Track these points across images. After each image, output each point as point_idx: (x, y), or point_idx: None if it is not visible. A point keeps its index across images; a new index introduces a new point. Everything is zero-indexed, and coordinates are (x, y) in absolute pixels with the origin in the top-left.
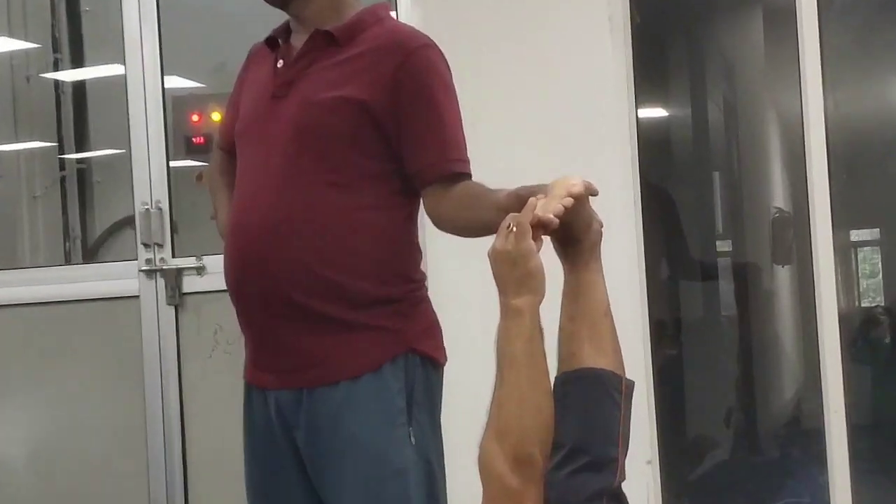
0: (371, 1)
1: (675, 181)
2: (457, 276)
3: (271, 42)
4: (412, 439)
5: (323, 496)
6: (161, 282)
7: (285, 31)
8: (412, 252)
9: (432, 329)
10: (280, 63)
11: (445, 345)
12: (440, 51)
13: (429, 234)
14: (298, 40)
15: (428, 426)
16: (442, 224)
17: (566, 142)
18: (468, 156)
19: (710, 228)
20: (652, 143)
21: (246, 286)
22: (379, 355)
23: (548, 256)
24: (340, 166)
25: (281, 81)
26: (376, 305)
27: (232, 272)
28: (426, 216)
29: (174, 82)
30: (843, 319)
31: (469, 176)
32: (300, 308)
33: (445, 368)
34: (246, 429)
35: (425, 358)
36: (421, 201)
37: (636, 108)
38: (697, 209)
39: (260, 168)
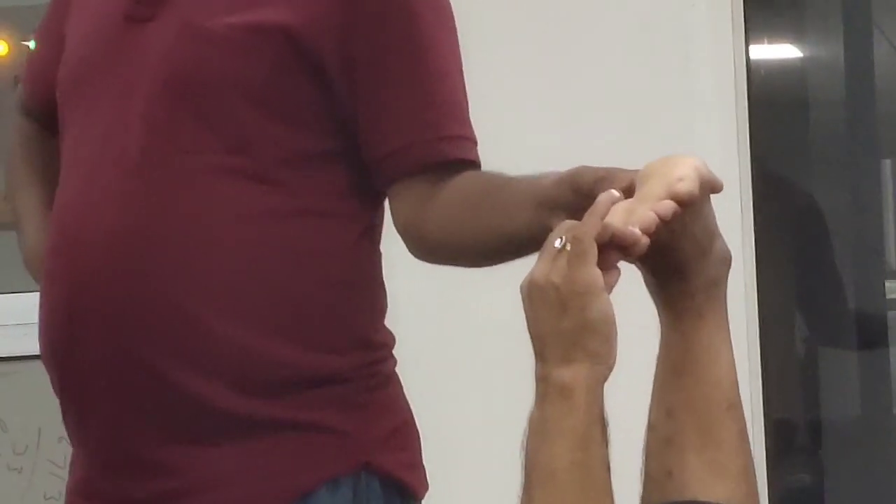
0: None
1: (812, 173)
2: (426, 325)
3: None
4: None
5: None
6: None
7: None
8: (372, 295)
9: (404, 432)
10: None
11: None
12: None
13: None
14: None
15: None
16: (428, 242)
17: (629, 102)
18: (473, 130)
19: (874, 258)
20: (774, 105)
21: (78, 354)
22: (309, 477)
23: (628, 298)
24: (249, 143)
25: None
26: (307, 389)
27: (51, 330)
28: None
29: None
30: None
31: (476, 164)
32: (176, 394)
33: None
34: None
35: (391, 482)
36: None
37: (747, 43)
38: (852, 223)
39: (105, 146)
